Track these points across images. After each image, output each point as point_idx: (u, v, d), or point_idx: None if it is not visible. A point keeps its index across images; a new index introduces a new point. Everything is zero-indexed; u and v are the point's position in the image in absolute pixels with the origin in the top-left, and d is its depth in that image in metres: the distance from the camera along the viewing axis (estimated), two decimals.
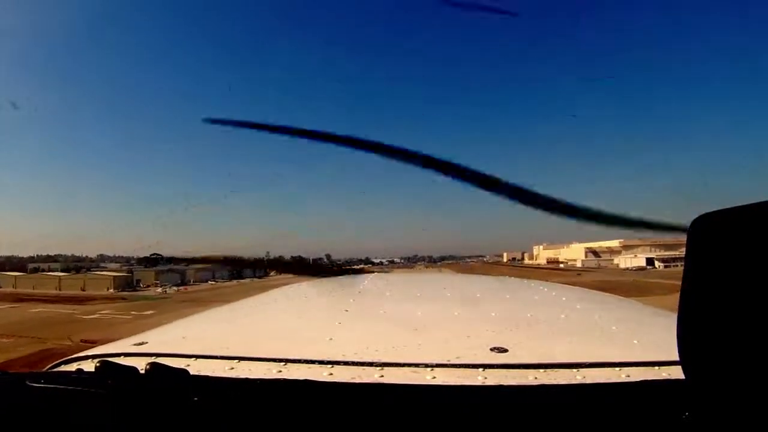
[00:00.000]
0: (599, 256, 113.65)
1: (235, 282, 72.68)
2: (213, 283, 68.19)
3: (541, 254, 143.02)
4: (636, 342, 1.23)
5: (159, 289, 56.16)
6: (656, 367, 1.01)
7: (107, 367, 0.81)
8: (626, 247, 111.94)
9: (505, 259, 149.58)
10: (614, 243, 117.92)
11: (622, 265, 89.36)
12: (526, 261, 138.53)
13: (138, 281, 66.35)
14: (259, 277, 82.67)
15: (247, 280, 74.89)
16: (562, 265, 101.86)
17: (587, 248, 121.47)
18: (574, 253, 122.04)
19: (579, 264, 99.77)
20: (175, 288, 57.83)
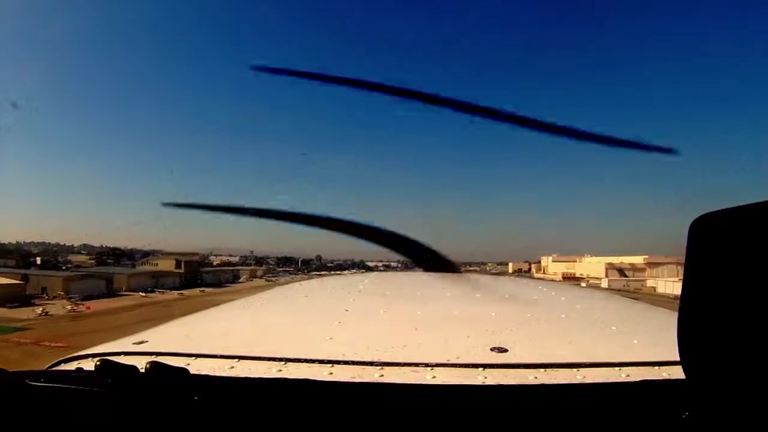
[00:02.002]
0: (625, 275, 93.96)
1: (176, 294, 54.32)
2: (143, 295, 50.12)
3: (551, 266, 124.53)
4: (636, 342, 1.22)
5: (40, 309, 37.61)
6: (656, 367, 1.01)
7: (107, 366, 0.80)
8: (650, 264, 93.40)
9: (510, 271, 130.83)
10: (638, 259, 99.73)
11: (662, 290, 70.24)
12: (535, 273, 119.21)
13: (44, 289, 47.86)
14: (219, 285, 65.08)
15: (197, 291, 57.09)
16: (584, 284, 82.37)
17: (608, 264, 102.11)
18: (593, 268, 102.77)
19: (605, 284, 79.97)
20: (71, 307, 39.15)
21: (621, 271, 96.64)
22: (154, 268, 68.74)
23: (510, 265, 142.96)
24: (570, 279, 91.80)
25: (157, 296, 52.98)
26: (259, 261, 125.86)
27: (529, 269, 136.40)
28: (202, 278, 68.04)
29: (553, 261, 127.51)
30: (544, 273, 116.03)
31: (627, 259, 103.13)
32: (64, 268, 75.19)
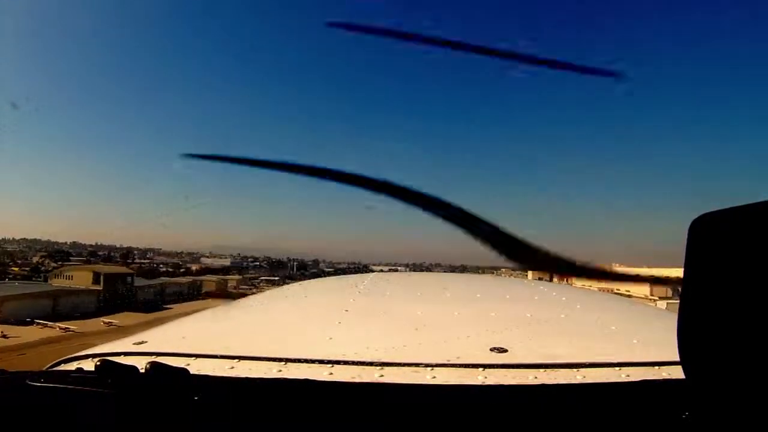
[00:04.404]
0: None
1: (58, 329, 35.70)
2: None
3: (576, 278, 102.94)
4: (636, 342, 1.23)
5: None
6: (656, 367, 1.01)
7: (107, 366, 0.80)
8: None
9: (529, 278, 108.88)
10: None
11: None
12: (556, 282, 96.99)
13: None
14: (154, 308, 46.83)
15: (101, 323, 38.34)
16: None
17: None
18: (632, 283, 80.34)
19: (663, 305, 56.84)
20: None
21: (678, 290, 74.71)
22: (66, 284, 49.15)
23: (530, 273, 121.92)
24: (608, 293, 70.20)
25: (22, 334, 34.50)
26: (241, 267, 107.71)
27: (551, 278, 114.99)
28: (135, 296, 49.16)
29: None
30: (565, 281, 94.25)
31: (672, 272, 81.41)
32: None
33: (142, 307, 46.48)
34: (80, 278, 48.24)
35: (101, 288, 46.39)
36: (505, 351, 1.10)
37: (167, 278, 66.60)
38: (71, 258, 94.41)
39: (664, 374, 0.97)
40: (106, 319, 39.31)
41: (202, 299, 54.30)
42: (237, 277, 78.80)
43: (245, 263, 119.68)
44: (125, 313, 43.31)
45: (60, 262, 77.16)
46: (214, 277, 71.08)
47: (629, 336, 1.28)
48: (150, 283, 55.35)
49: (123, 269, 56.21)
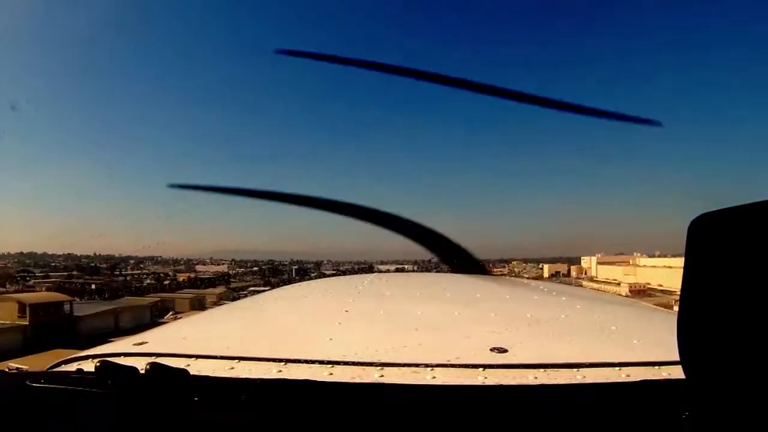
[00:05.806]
0: None
1: None
2: None
3: (596, 269, 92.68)
4: (636, 342, 1.22)
5: None
6: (656, 367, 1.01)
7: (107, 367, 0.81)
8: None
9: (546, 274, 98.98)
10: None
11: None
12: (583, 282, 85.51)
13: None
14: (99, 339, 38.44)
15: (25, 368, 29.89)
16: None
17: None
18: (661, 276, 69.55)
19: None
20: None
21: None
22: None
23: (545, 267, 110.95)
24: (641, 294, 58.13)
25: None
26: (236, 274, 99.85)
27: (568, 272, 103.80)
28: (75, 328, 40.88)
29: (598, 263, 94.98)
30: (592, 281, 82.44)
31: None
32: None
33: (82, 341, 38.15)
34: (5, 310, 40.17)
35: (27, 322, 38.16)
36: (505, 351, 1.09)
37: (134, 297, 58.02)
38: (51, 274, 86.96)
39: (664, 374, 0.96)
40: (14, 364, 30.99)
41: (167, 321, 45.46)
42: (218, 290, 69.94)
43: (243, 269, 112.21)
44: (57, 351, 34.91)
45: (22, 281, 69.05)
46: (189, 293, 62.09)
47: (629, 336, 1.26)
48: (98, 310, 46.75)
49: (57, 296, 46.22)
